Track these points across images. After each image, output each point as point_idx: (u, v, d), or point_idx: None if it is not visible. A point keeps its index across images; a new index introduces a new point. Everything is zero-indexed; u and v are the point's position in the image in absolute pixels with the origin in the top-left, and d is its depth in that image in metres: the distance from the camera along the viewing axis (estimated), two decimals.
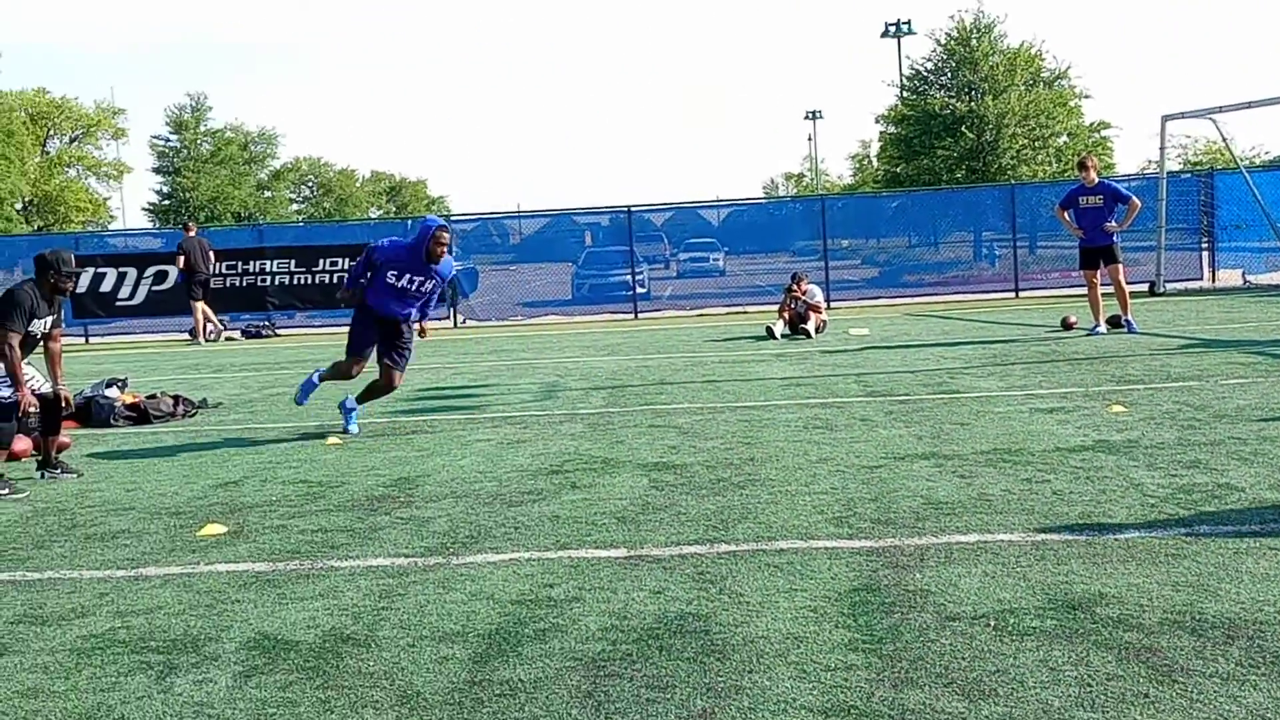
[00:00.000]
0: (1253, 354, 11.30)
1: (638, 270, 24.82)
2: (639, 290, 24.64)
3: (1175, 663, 3.59)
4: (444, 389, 11.85)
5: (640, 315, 23.88)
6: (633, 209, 24.94)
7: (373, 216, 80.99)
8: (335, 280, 23.80)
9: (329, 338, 22.03)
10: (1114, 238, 14.34)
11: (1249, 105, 19.88)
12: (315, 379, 9.48)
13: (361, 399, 9.27)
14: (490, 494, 6.57)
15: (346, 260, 23.75)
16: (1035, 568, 4.64)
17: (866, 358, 12.97)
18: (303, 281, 23.79)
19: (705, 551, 5.12)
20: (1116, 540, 4.98)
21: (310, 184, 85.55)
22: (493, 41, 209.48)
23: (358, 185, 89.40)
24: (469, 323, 23.88)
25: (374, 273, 8.98)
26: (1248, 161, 35.48)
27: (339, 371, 9.32)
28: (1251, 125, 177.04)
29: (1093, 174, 14.49)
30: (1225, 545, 4.81)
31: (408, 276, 8.86)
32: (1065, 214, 14.80)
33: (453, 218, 26.39)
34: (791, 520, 5.60)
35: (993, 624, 4.01)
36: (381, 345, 9.13)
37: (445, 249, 8.88)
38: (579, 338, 18.49)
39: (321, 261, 23.75)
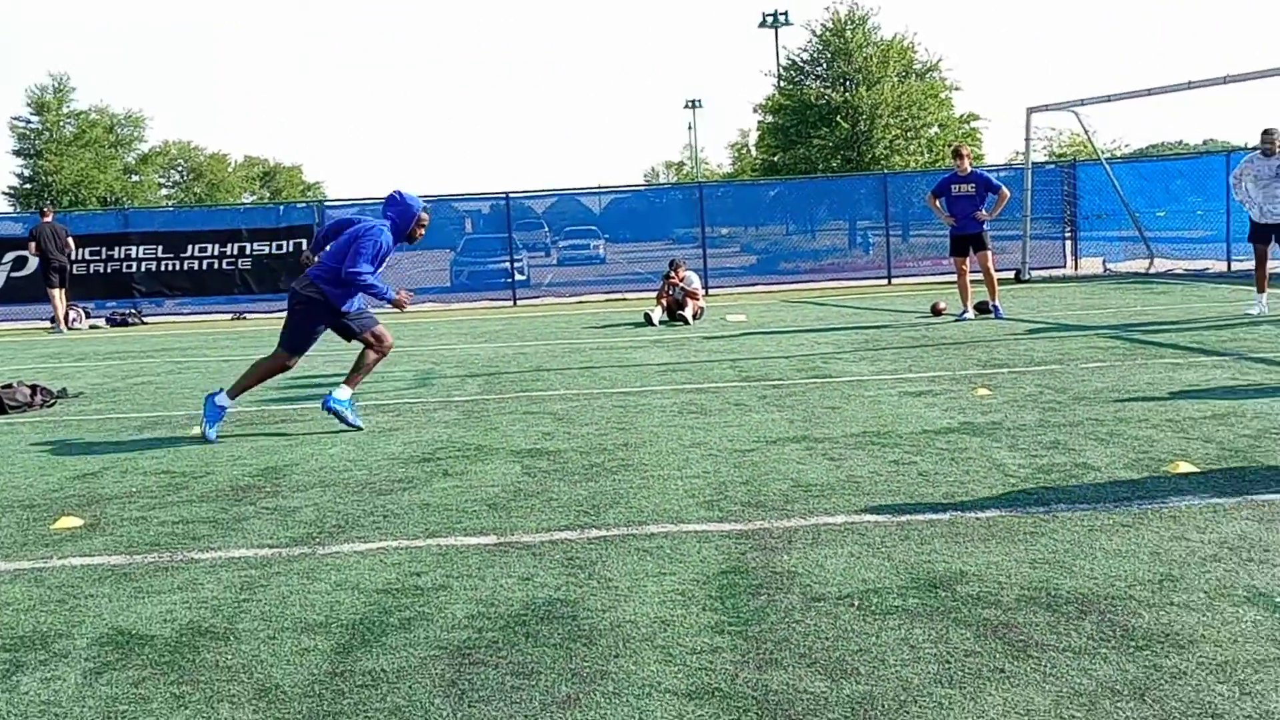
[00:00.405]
0: (1111, 338, 11.69)
1: (517, 258, 24.68)
2: (518, 278, 24.52)
3: (1031, 638, 3.68)
4: (316, 377, 11.61)
5: (519, 303, 23.78)
6: (512, 196, 24.77)
7: (245, 202, 79.06)
8: (205, 266, 23.18)
9: (199, 326, 21.48)
10: (984, 226, 14.70)
11: (1109, 99, 20.55)
12: (340, 403, 8.29)
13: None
14: (360, 482, 6.46)
15: (215, 246, 23.15)
16: (900, 547, 4.72)
17: (742, 344, 13.08)
18: (171, 268, 23.14)
19: (576, 537, 5.10)
20: (978, 519, 5.09)
21: (180, 168, 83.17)
22: (370, 25, 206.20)
23: (230, 170, 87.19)
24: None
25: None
26: (1109, 154, 36.67)
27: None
28: (1113, 118, 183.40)
29: (966, 163, 14.82)
30: (1081, 523, 4.96)
31: (385, 262, 8.38)
32: (937, 202, 15.12)
33: (328, 204, 25.90)
34: (663, 505, 5.61)
35: (857, 604, 4.07)
36: (344, 329, 8.47)
37: (424, 230, 8.48)
38: (456, 325, 18.31)
39: (190, 248, 23.14)
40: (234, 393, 8.27)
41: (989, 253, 14.89)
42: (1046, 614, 3.88)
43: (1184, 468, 5.81)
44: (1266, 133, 13.19)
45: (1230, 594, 3.98)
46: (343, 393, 8.31)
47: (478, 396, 9.71)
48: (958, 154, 14.97)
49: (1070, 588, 4.13)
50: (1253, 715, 3.06)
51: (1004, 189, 14.94)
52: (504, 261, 24.64)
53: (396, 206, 8.29)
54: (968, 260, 14.89)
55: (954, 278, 15.67)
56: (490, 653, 3.74)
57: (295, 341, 8.34)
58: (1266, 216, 13.20)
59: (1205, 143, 74.09)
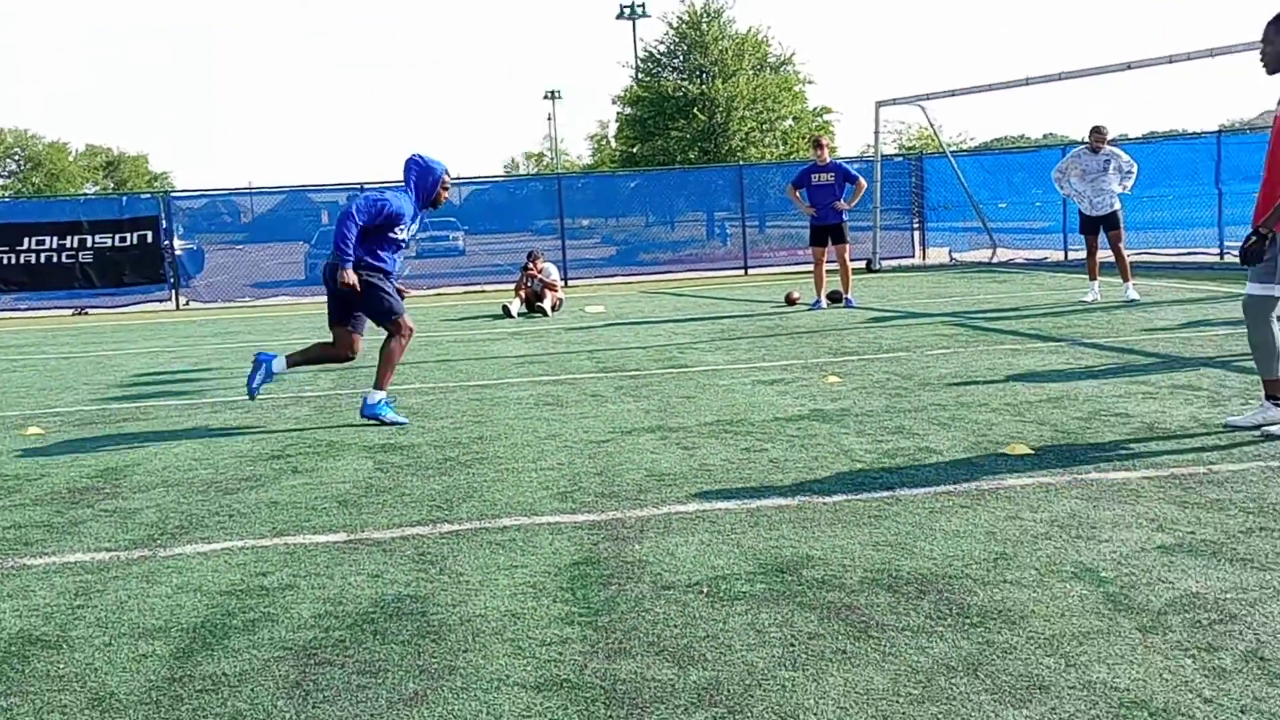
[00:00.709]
0: (955, 325, 12.06)
1: None
2: None
3: (872, 619, 3.78)
4: (161, 374, 11.28)
5: None
6: (368, 186, 24.35)
7: (87, 192, 76.09)
8: (43, 260, 22.23)
9: (37, 322, 20.62)
10: (843, 216, 15.00)
11: (952, 94, 21.17)
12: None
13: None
14: (205, 481, 6.28)
15: (54, 239, 22.23)
16: (749, 534, 4.80)
17: (600, 335, 13.12)
18: (6, 262, 22.16)
19: (428, 532, 5.05)
20: (825, 504, 5.21)
21: (17, 157, 79.59)
22: (221, 11, 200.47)
23: (70, 159, 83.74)
24: (193, 305, 22.84)
25: (377, 229, 7.77)
26: (954, 147, 37.76)
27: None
28: (958, 113, 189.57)
29: (825, 153, 15.08)
30: (922, 505, 5.11)
31: (409, 229, 7.94)
32: (798, 193, 15.34)
33: (174, 195, 25.10)
34: (517, 497, 5.60)
35: (705, 591, 4.12)
36: (344, 311, 8.01)
37: (448, 193, 8.14)
38: (311, 319, 17.92)
39: (27, 240, 22.19)
40: (380, 385, 7.98)
41: (847, 245, 15.23)
42: (888, 595, 3.99)
43: (1020, 449, 6.03)
44: (1095, 130, 13.76)
45: (1059, 570, 4.15)
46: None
47: (331, 391, 9.55)
48: (817, 144, 15.23)
49: (911, 568, 4.25)
50: (1076, 685, 3.19)
51: (861, 179, 15.31)
52: None
53: (417, 169, 7.93)
54: (825, 251, 15.18)
55: (809, 268, 15.96)
56: (337, 652, 3.69)
57: (380, 309, 7.93)
58: (1095, 209, 13.77)
59: (1045, 137, 76.92)
